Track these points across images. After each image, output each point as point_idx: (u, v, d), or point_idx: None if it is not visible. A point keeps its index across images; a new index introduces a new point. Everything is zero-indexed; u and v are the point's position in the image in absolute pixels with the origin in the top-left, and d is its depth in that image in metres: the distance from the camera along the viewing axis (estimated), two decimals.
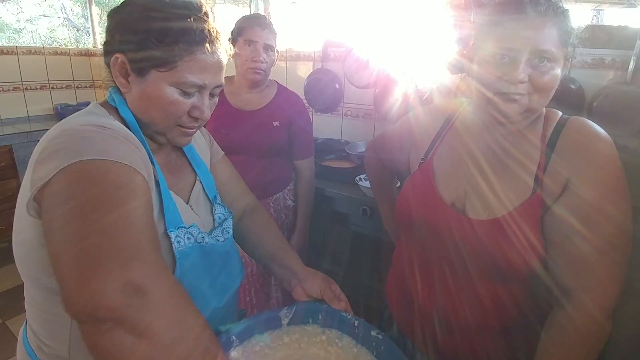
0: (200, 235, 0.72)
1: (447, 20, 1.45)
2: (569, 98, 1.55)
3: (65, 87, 3.31)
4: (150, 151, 0.68)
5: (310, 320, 0.79)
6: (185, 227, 0.70)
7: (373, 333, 0.74)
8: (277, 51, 1.51)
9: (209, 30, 0.66)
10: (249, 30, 1.42)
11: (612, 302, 0.70)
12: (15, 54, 2.96)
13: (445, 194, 0.83)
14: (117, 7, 0.67)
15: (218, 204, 0.84)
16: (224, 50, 0.70)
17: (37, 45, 4.77)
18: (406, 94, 1.90)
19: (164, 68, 0.64)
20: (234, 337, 0.73)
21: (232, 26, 1.50)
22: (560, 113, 0.80)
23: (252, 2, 2.44)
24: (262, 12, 2.45)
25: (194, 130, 0.73)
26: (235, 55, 1.48)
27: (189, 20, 0.64)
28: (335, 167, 1.86)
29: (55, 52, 3.23)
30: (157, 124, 0.69)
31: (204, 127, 0.94)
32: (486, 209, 0.78)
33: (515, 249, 0.73)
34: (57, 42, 7.54)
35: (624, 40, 1.48)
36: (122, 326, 0.46)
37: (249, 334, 0.75)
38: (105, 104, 0.71)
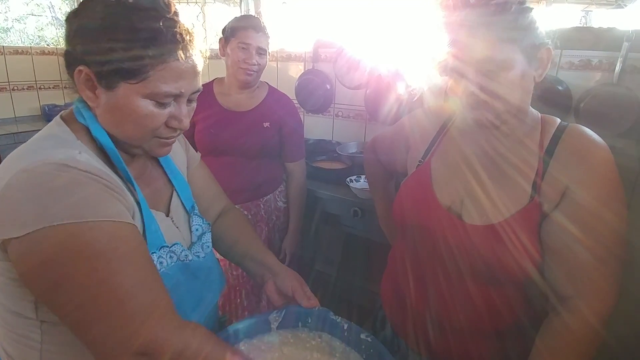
0: (183, 253, 0.70)
1: (437, 21, 1.45)
2: (557, 99, 1.57)
3: (53, 88, 3.25)
4: (128, 171, 0.64)
5: (300, 324, 0.78)
6: (168, 247, 0.67)
7: (362, 336, 0.74)
8: (269, 53, 1.50)
9: (180, 34, 0.60)
10: (242, 33, 1.41)
11: (609, 309, 0.71)
12: (2, 54, 2.91)
13: (442, 197, 0.83)
14: (76, 9, 0.60)
15: (195, 214, 0.81)
16: (199, 52, 0.64)
17: (25, 45, 4.70)
18: (397, 94, 1.90)
19: (135, 80, 0.58)
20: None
21: (222, 26, 1.49)
22: (558, 120, 0.79)
23: (242, 2, 2.42)
24: (252, 12, 2.43)
25: (173, 140, 0.68)
26: (226, 56, 1.47)
27: (158, 23, 0.58)
28: (326, 168, 1.86)
29: (43, 52, 3.18)
30: (132, 138, 0.64)
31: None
32: (482, 215, 0.78)
33: (510, 255, 0.73)
34: (45, 41, 7.44)
35: (611, 41, 1.50)
36: None
37: (236, 339, 0.74)
38: (71, 120, 0.64)
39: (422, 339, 0.88)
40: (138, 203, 0.64)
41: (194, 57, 0.63)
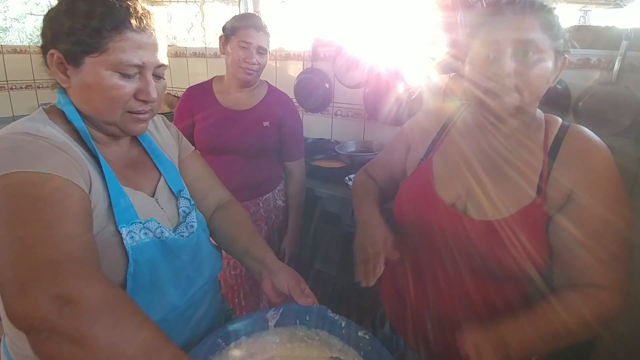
0: (159, 229, 0.70)
1: (436, 21, 1.46)
2: (555, 98, 1.57)
3: (51, 87, 3.24)
4: (95, 146, 0.67)
5: (298, 322, 0.78)
6: (141, 222, 0.68)
7: (360, 333, 0.74)
8: (269, 52, 1.50)
9: (134, 8, 0.65)
10: (243, 31, 1.41)
11: (607, 308, 0.70)
12: (0, 53, 2.91)
13: (443, 194, 0.83)
14: (49, 9, 0.67)
15: (183, 197, 0.83)
16: (160, 30, 0.69)
17: (24, 44, 4.70)
18: (396, 93, 1.90)
19: (96, 52, 0.63)
20: (220, 340, 0.72)
21: (221, 25, 1.49)
22: (560, 120, 0.80)
23: (241, 1, 2.42)
24: (251, 10, 2.43)
25: (146, 115, 0.71)
26: (226, 54, 1.46)
27: (112, 0, 0.64)
28: (325, 167, 1.86)
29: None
30: (103, 113, 0.68)
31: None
32: (483, 212, 0.78)
33: (510, 253, 0.73)
34: None
35: (610, 40, 1.50)
36: (58, 335, 0.48)
37: (235, 336, 0.74)
38: (51, 109, 0.70)
39: (420, 336, 0.88)
40: (104, 179, 0.66)
41: (152, 32, 0.67)
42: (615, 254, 0.70)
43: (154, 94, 0.69)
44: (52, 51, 0.65)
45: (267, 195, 1.61)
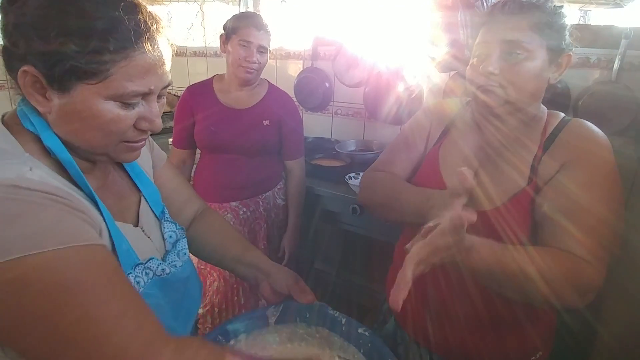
0: (160, 267, 0.63)
1: (435, 20, 1.46)
2: (555, 97, 1.57)
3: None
4: (91, 188, 0.55)
5: (298, 319, 0.78)
6: (142, 263, 0.60)
7: (360, 330, 0.74)
8: (269, 51, 1.50)
9: (145, 21, 0.51)
10: (244, 30, 1.41)
11: (586, 282, 0.66)
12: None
13: (451, 184, 0.84)
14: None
15: (167, 220, 0.73)
16: (166, 40, 0.56)
17: None
18: (396, 92, 1.90)
19: (94, 80, 0.49)
20: (220, 337, 0.73)
21: (221, 24, 1.49)
22: (562, 114, 0.82)
23: (241, 0, 2.42)
24: (251, 9, 2.43)
25: (142, 143, 0.60)
26: (227, 53, 1.47)
27: (116, 11, 0.48)
28: (325, 166, 1.86)
29: None
30: (96, 146, 0.55)
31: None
32: (484, 203, 0.79)
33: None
34: None
35: (609, 39, 1.50)
36: None
37: (235, 334, 0.74)
38: (15, 127, 0.53)
39: (421, 331, 0.89)
40: (104, 220, 0.56)
41: (161, 48, 0.54)
42: (594, 230, 0.68)
43: (158, 123, 0.57)
44: (25, 68, 0.48)
45: (267, 193, 1.61)
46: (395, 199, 0.86)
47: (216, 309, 1.56)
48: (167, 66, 0.57)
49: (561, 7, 0.76)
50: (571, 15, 2.42)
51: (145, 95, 0.54)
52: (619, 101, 1.47)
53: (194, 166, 1.67)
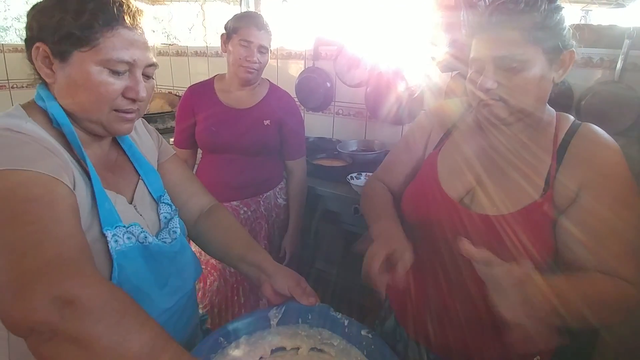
0: (142, 234, 0.68)
1: (437, 20, 1.45)
2: (558, 97, 1.55)
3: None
4: (82, 146, 0.65)
5: (300, 321, 0.78)
6: (124, 227, 0.66)
7: (363, 332, 0.74)
8: (270, 51, 1.50)
9: (127, 5, 0.64)
10: (245, 30, 1.40)
11: (630, 303, 0.68)
12: (1, 52, 2.91)
13: (451, 188, 0.84)
14: (37, 2, 0.65)
15: (164, 202, 0.80)
16: (150, 30, 0.68)
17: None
18: (397, 92, 1.90)
19: (86, 47, 0.61)
20: (221, 339, 0.72)
21: (222, 24, 1.49)
22: (572, 118, 0.80)
23: (242, 0, 2.42)
24: (252, 9, 2.43)
25: (132, 115, 0.69)
26: (228, 53, 1.46)
27: None
28: (326, 166, 1.86)
29: None
30: (90, 110, 0.65)
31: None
32: (487, 208, 0.78)
33: (507, 250, 0.73)
34: None
35: (612, 39, 1.50)
36: (60, 337, 0.47)
37: (234, 336, 0.74)
38: (29, 105, 0.67)
39: (422, 330, 0.89)
40: (89, 179, 0.64)
41: (143, 31, 0.66)
42: (631, 249, 0.69)
43: (143, 93, 0.67)
44: (37, 44, 0.63)
45: (268, 193, 1.61)
46: (371, 218, 0.90)
47: (216, 309, 1.55)
48: (150, 50, 0.68)
49: (555, 4, 0.72)
50: (573, 15, 2.42)
51: (130, 67, 0.65)
52: (622, 101, 1.46)
53: (196, 166, 1.66)
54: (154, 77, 0.72)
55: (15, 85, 3.00)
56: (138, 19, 0.65)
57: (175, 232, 0.77)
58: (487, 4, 0.73)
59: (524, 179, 0.77)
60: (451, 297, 0.83)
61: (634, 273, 0.68)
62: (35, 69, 0.66)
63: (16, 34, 7.50)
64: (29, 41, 0.65)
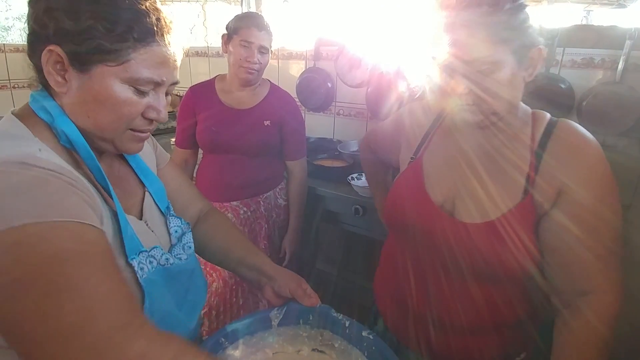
0: (164, 257, 0.65)
1: (438, 20, 1.45)
2: (559, 98, 1.56)
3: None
4: (102, 170, 0.58)
5: (301, 322, 0.78)
6: (146, 251, 0.62)
7: (364, 333, 0.73)
8: (271, 52, 1.50)
9: (164, 20, 0.58)
10: (245, 31, 1.40)
11: (615, 310, 0.71)
12: (2, 52, 2.91)
13: (434, 195, 0.83)
14: None
15: (172, 215, 0.76)
16: (180, 44, 0.62)
17: (26, 43, 4.71)
18: (398, 93, 1.89)
19: (115, 62, 0.54)
20: (223, 339, 0.72)
21: (223, 24, 1.49)
22: (548, 115, 0.79)
23: (243, 0, 2.42)
24: (253, 10, 2.43)
25: (147, 134, 0.64)
26: (228, 53, 1.46)
27: (142, 5, 0.55)
28: (327, 167, 1.86)
29: None
30: (106, 129, 0.58)
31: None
32: (478, 211, 0.78)
33: (509, 252, 0.73)
34: None
35: (614, 40, 1.49)
36: None
37: (235, 337, 0.74)
38: (27, 116, 0.57)
39: (422, 339, 0.88)
40: (110, 206, 0.59)
41: (175, 46, 0.60)
42: (611, 249, 0.70)
43: (165, 114, 0.62)
44: (51, 47, 0.53)
45: (268, 193, 1.61)
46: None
47: (214, 312, 1.54)
48: (178, 65, 0.62)
49: (518, 2, 0.69)
50: (574, 15, 2.41)
51: (156, 86, 0.59)
52: (623, 102, 1.46)
53: (196, 166, 1.66)
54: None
55: (16, 85, 3.00)
56: (171, 35, 0.59)
57: (190, 247, 0.73)
58: (451, 7, 0.72)
59: (504, 182, 0.76)
60: (453, 303, 0.82)
61: (610, 277, 0.71)
62: (36, 71, 0.58)
63: (18, 34, 7.52)
64: (38, 41, 0.55)
